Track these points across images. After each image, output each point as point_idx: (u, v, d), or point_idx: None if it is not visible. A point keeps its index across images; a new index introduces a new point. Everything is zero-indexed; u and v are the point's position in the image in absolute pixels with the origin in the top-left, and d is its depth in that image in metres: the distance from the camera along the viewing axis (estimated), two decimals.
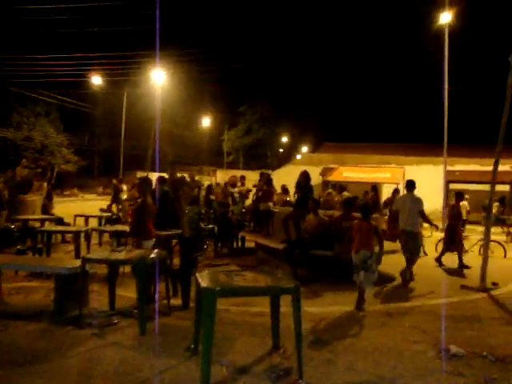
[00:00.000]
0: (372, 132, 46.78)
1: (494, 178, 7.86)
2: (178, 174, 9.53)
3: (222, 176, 35.58)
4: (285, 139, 60.41)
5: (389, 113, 51.72)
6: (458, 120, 22.99)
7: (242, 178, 13.83)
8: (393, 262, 8.86)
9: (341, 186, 14.44)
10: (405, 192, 8.79)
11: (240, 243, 11.55)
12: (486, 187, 25.54)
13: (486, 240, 8.07)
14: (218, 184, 20.11)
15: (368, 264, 6.04)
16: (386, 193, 15.02)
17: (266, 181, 10.87)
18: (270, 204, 10.47)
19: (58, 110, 44.52)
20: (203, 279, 4.06)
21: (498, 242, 12.65)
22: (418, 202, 8.27)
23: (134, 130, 44.70)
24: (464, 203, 20.27)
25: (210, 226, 10.81)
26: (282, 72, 58.75)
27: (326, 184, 28.93)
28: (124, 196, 16.09)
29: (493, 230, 17.58)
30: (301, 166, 30.16)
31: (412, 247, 8.12)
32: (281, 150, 61.44)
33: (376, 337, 5.00)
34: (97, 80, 37.43)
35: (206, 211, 11.08)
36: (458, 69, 22.78)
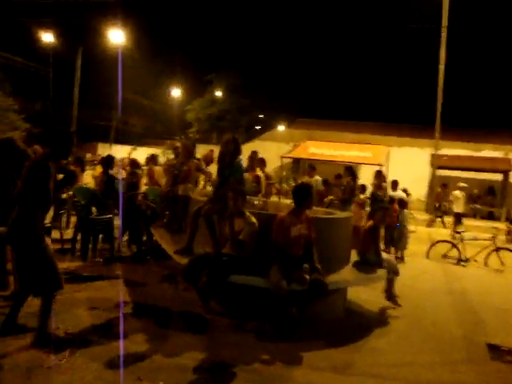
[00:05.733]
0: (353, 110, 43.13)
1: None
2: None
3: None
4: (261, 116, 56.50)
5: (372, 91, 47.97)
6: (446, 100, 19.62)
7: (175, 148, 10.22)
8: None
9: (311, 165, 10.78)
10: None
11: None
12: (476, 175, 22.45)
13: None
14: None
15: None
16: (365, 177, 11.38)
17: (187, 152, 7.16)
18: (190, 187, 6.83)
19: (4, 71, 39.79)
20: None
21: (509, 249, 9.57)
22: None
23: (96, 99, 40.91)
24: (456, 193, 16.59)
25: (106, 217, 7.29)
26: (255, 42, 54.54)
27: (296, 162, 25.52)
28: None
29: (480, 223, 14.43)
30: (268, 143, 26.55)
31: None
32: (258, 128, 57.43)
33: None
34: (48, 37, 33.26)
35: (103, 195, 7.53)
36: (450, 47, 19.27)
